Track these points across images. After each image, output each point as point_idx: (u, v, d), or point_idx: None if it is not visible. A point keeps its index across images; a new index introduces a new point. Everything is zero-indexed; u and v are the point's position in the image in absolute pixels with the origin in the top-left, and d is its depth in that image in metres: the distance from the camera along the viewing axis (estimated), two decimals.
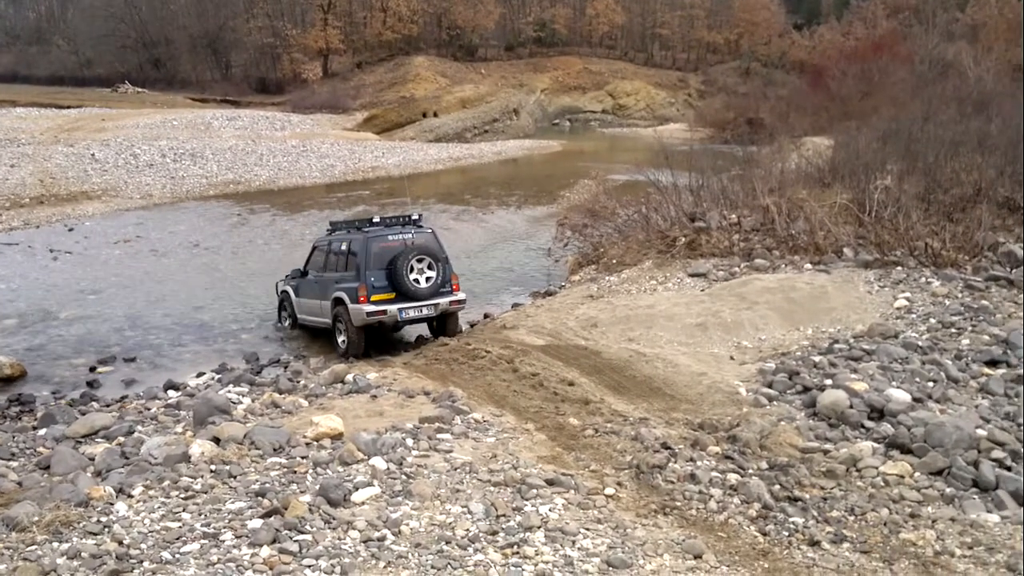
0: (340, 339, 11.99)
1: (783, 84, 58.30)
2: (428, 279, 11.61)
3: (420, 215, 12.93)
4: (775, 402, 8.09)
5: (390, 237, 11.91)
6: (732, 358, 9.75)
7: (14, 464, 7.99)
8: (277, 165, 33.52)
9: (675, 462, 6.62)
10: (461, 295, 12.12)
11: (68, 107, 49.89)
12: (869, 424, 7.26)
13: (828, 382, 8.22)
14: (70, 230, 21.48)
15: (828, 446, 6.96)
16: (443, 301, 11.75)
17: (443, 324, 12.17)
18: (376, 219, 12.73)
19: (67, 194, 25.80)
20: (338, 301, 11.87)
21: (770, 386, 8.49)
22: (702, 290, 12.34)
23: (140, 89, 66.55)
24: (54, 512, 5.34)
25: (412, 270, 11.51)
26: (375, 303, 11.42)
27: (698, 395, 8.43)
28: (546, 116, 66.54)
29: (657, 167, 17.99)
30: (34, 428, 9.22)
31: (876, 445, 6.87)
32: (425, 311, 11.72)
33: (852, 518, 5.83)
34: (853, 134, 20.09)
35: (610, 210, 18.74)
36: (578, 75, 73.88)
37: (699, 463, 6.64)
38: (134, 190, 27.04)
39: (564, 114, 69.39)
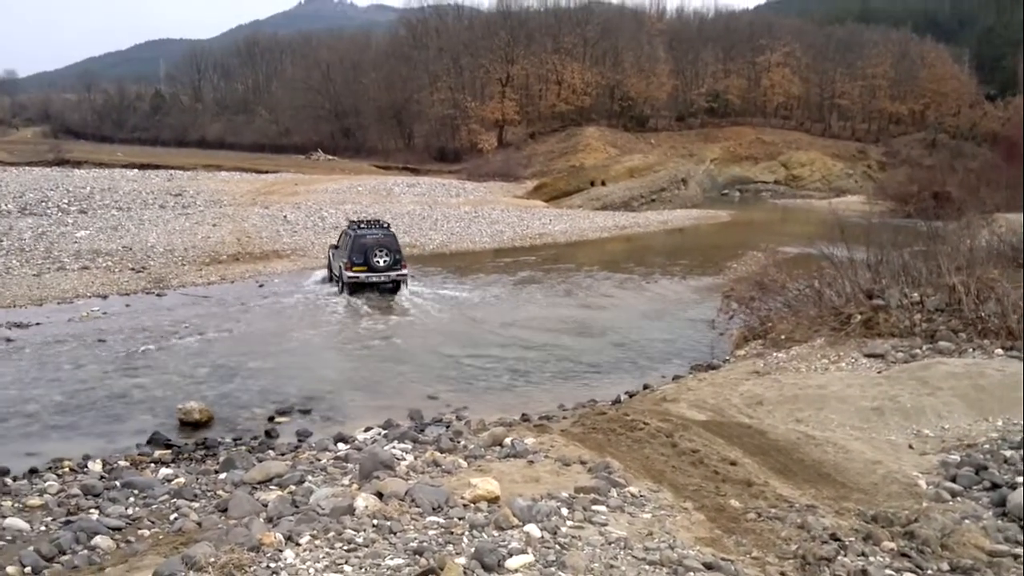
0: (338, 286, 21.85)
1: (973, 156, 55.20)
2: (385, 261, 21.15)
3: (388, 223, 23.16)
4: (959, 498, 7.47)
5: (368, 236, 21.25)
6: (911, 447, 9.12)
7: (195, 505, 8.61)
8: (450, 230, 34.82)
9: (845, 555, 6.21)
10: (405, 271, 21.82)
11: (266, 172, 54.25)
12: None
13: (1020, 480, 7.53)
14: (260, 286, 23.11)
15: (1019, 551, 6.34)
16: (393, 274, 21.39)
17: (397, 286, 21.65)
18: (370, 223, 22.37)
19: (260, 252, 27.84)
20: (340, 266, 21.61)
21: (954, 480, 7.87)
22: (879, 372, 11.68)
23: (331, 156, 71.53)
24: (229, 554, 5.64)
25: (376, 255, 21.07)
26: (355, 271, 21.09)
27: (872, 484, 7.92)
28: (715, 186, 65.67)
29: (832, 240, 17.35)
30: (216, 472, 9.91)
31: None
32: (383, 278, 21.29)
33: None
34: None
35: (779, 283, 18.17)
36: (750, 145, 72.77)
37: (872, 559, 6.20)
38: (320, 250, 28.74)
39: (734, 184, 68.27)
